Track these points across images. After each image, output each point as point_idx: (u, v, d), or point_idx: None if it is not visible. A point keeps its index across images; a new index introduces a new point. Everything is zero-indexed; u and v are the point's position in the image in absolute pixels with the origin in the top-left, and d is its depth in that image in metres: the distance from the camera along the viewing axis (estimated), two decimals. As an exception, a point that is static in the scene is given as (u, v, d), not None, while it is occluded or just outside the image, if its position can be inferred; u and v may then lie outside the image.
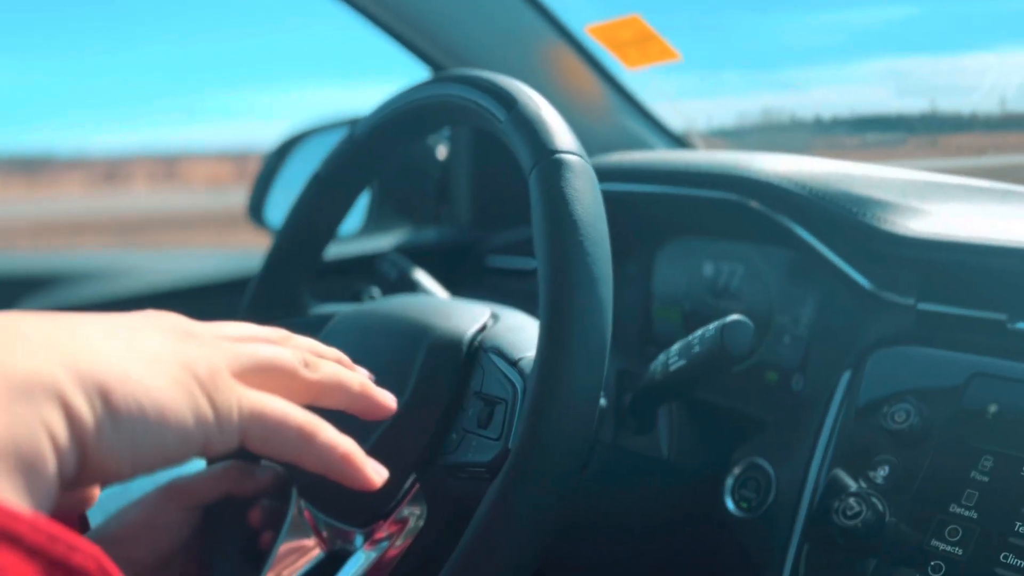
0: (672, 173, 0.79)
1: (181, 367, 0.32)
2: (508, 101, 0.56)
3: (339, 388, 0.40)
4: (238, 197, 1.39)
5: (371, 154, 0.69)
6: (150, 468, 0.31)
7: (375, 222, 1.18)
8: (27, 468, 0.26)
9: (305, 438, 0.35)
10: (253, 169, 1.25)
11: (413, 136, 0.69)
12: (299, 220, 0.74)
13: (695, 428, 0.67)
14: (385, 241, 1.12)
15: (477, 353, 0.57)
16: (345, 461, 0.36)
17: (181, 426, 0.31)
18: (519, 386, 0.52)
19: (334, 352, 0.44)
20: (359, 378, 0.42)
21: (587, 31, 1.02)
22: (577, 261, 0.49)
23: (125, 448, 0.30)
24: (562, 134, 0.54)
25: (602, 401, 0.53)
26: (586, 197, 0.51)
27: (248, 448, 0.35)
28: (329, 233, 0.74)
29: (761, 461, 0.64)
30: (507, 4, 1.01)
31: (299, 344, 0.42)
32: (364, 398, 0.41)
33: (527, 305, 0.67)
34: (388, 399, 0.43)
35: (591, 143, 1.06)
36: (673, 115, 1.16)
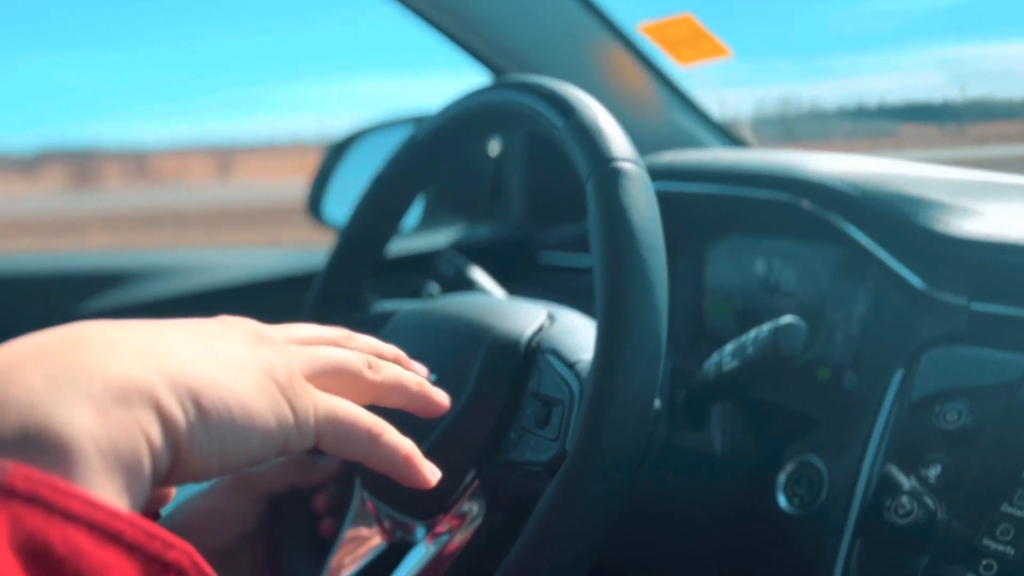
0: (725, 173, 0.80)
1: (263, 372, 0.35)
2: (566, 108, 0.57)
3: (399, 388, 0.43)
4: (295, 191, 1.42)
5: (432, 156, 0.72)
6: (235, 467, 0.33)
7: (431, 219, 1.20)
8: (126, 469, 0.28)
9: (372, 439, 0.38)
10: (313, 163, 1.28)
11: (473, 139, 0.71)
12: (362, 219, 0.77)
13: (747, 425, 0.68)
14: (441, 238, 1.14)
15: (534, 354, 0.59)
16: (407, 461, 0.40)
17: (265, 428, 0.34)
18: (576, 389, 0.54)
19: (392, 351, 0.47)
20: (417, 378, 0.44)
21: (639, 30, 1.03)
22: (634, 268, 0.50)
23: (214, 449, 0.32)
24: (619, 142, 0.55)
25: (656, 402, 0.55)
26: (642, 204, 0.53)
27: (320, 448, 0.38)
28: (391, 232, 0.77)
29: (813, 458, 0.65)
30: (561, 6, 1.02)
31: (361, 344, 0.45)
32: (421, 398, 0.44)
33: (580, 302, 0.69)
34: (443, 399, 0.45)
35: (644, 141, 1.07)
36: (721, 106, 1.17)
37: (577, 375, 0.55)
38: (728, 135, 1.17)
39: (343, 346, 0.43)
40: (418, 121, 0.75)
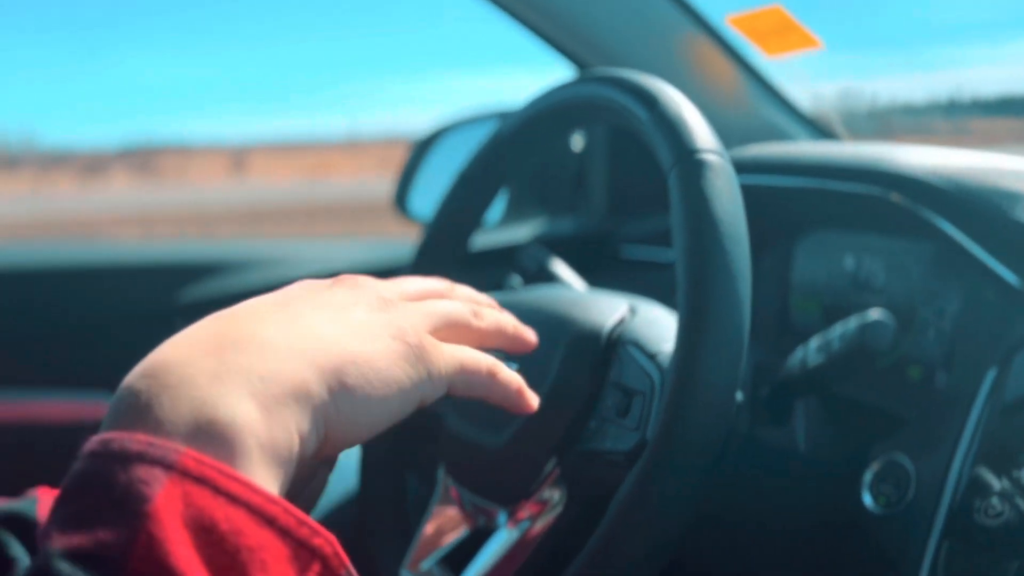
0: (812, 166, 0.79)
1: (394, 338, 0.38)
2: (650, 100, 0.58)
3: (499, 332, 0.48)
4: (383, 187, 1.45)
5: (516, 151, 0.73)
6: (378, 431, 0.37)
7: (514, 212, 1.22)
8: (279, 459, 0.31)
9: (491, 377, 0.44)
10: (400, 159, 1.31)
11: (557, 134, 0.72)
12: (447, 214, 0.78)
13: (832, 422, 0.67)
14: (524, 232, 1.15)
15: (616, 345, 0.59)
16: (519, 393, 0.45)
17: (403, 390, 0.37)
18: (657, 379, 0.54)
19: (487, 299, 0.52)
20: (512, 320, 0.50)
21: (728, 22, 1.02)
22: (716, 259, 0.50)
23: (360, 420, 0.36)
24: (703, 133, 0.55)
25: (738, 395, 0.55)
26: (726, 196, 0.53)
27: (450, 394, 0.42)
28: (475, 225, 0.78)
29: (900, 457, 0.64)
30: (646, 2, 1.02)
31: (462, 295, 0.50)
32: (517, 338, 0.50)
33: (661, 295, 0.69)
34: (531, 337, 0.51)
35: (732, 134, 1.07)
36: (813, 99, 1.15)
37: (658, 366, 0.55)
38: (818, 128, 1.15)
39: (448, 297, 0.47)
40: (502, 117, 0.76)
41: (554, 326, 0.62)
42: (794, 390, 0.62)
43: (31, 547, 0.68)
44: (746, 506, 0.67)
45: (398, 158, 1.37)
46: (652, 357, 0.56)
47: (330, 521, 0.84)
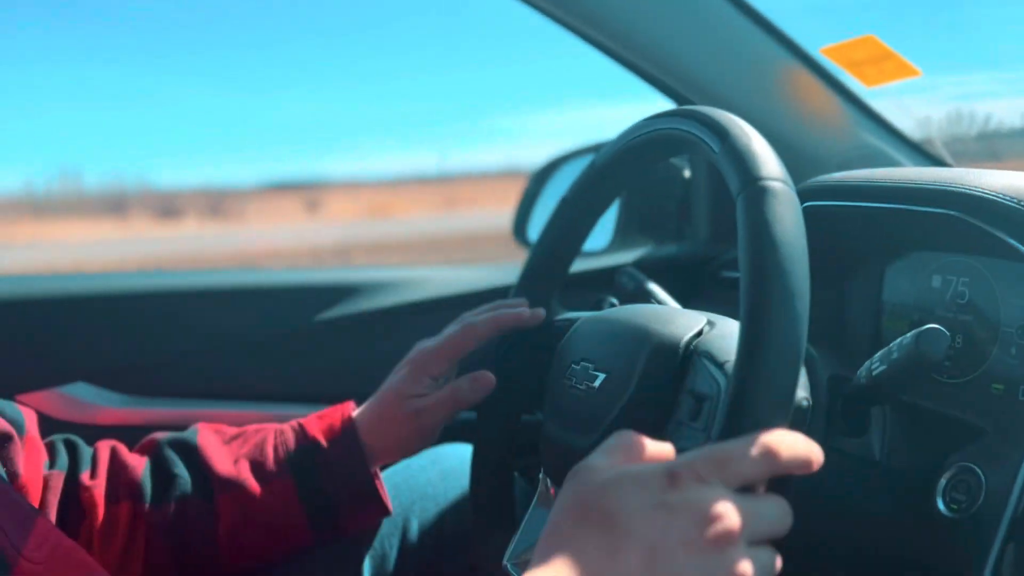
0: (893, 190, 0.82)
1: None
2: (722, 133, 0.64)
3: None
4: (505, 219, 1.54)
5: (610, 180, 0.80)
6: None
7: (622, 238, 1.29)
8: None
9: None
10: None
11: (646, 164, 0.78)
12: (550, 238, 0.86)
13: (908, 432, 0.71)
14: (628, 256, 1.22)
15: (691, 356, 0.65)
16: None
17: None
18: (723, 385, 0.60)
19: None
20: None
21: (822, 52, 1.07)
22: (775, 278, 0.55)
23: None
24: (768, 163, 0.61)
25: (804, 400, 0.59)
26: (786, 220, 0.58)
27: None
28: (575, 249, 0.86)
29: (973, 465, 0.67)
30: (743, 33, 1.07)
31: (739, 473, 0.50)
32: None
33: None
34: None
35: (831, 160, 1.10)
36: (920, 125, 1.17)
37: (725, 373, 0.61)
38: (923, 153, 1.17)
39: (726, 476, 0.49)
40: (598, 149, 0.83)
41: (638, 339, 0.69)
42: (864, 399, 0.66)
43: (192, 466, 0.81)
44: (824, 511, 0.71)
45: (517, 190, 1.47)
46: (721, 366, 0.61)
47: (445, 519, 0.93)
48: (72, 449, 0.79)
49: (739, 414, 0.54)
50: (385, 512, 0.83)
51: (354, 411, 0.83)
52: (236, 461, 0.79)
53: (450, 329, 0.84)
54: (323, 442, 0.80)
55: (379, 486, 0.82)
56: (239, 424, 0.86)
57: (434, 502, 0.94)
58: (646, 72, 1.09)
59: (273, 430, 0.82)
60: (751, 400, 0.53)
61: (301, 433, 0.81)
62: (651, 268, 0.98)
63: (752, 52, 1.09)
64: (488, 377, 0.82)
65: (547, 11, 1.05)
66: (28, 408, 0.76)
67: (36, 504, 0.72)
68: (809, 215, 0.87)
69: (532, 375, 0.83)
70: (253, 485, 0.78)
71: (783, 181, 0.60)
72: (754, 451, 0.49)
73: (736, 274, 1.06)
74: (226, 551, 0.78)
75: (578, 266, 0.91)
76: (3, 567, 0.57)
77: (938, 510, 0.68)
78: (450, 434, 0.99)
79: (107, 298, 1.21)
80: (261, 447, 0.80)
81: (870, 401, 0.68)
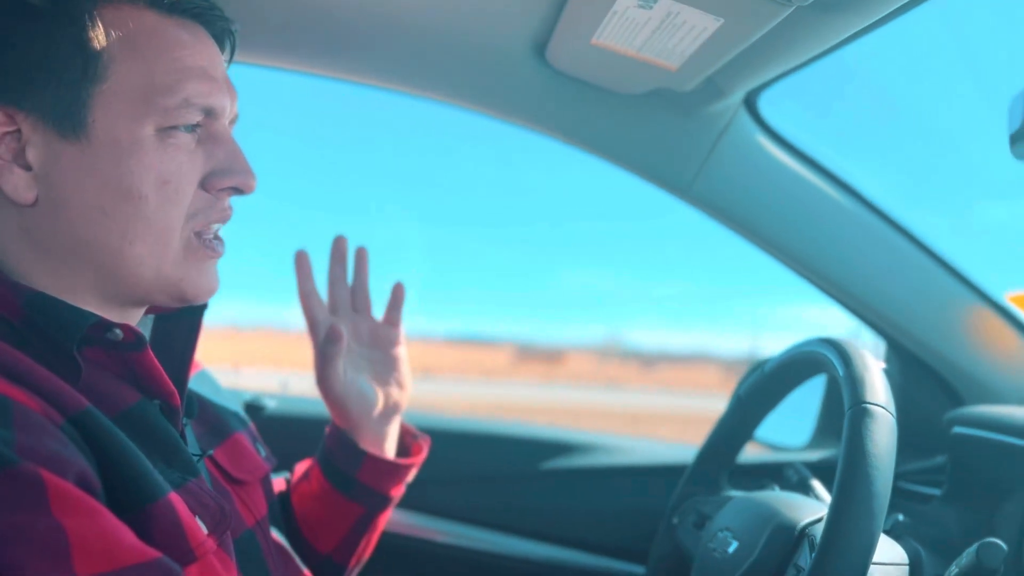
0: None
1: None
2: (847, 360, 0.82)
3: None
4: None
5: (771, 385, 0.99)
6: None
7: (818, 438, 1.42)
8: None
9: None
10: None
11: (799, 377, 0.97)
12: (724, 428, 1.06)
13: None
14: (806, 455, 1.36)
15: (803, 536, 0.82)
16: None
17: None
18: None
19: None
20: None
21: (1008, 299, 1.19)
22: (860, 481, 0.72)
23: None
24: (876, 390, 0.78)
25: None
26: (878, 436, 0.74)
27: None
28: (742, 443, 1.05)
29: None
30: (935, 277, 1.22)
31: None
32: None
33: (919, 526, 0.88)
34: None
35: (1010, 394, 1.21)
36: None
37: (819, 552, 0.77)
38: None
39: None
40: (766, 362, 1.03)
41: (766, 517, 0.86)
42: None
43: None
44: None
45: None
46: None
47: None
48: None
49: None
50: (396, 468, 1.02)
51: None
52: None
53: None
54: (327, 436, 1.02)
55: (374, 451, 1.00)
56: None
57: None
58: (850, 307, 1.27)
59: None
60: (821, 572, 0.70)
61: (323, 441, 1.04)
62: (821, 468, 1.13)
63: (947, 296, 1.23)
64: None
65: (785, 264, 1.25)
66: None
67: None
68: (960, 440, 1.01)
69: (695, 544, 1.00)
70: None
71: (884, 407, 0.76)
72: None
73: (906, 485, 1.19)
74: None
75: (759, 458, 1.09)
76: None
77: None
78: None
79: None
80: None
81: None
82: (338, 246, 1.02)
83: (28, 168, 0.67)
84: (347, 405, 0.98)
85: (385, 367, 1.02)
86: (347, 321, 1.02)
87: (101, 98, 0.67)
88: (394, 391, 1.02)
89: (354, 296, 1.03)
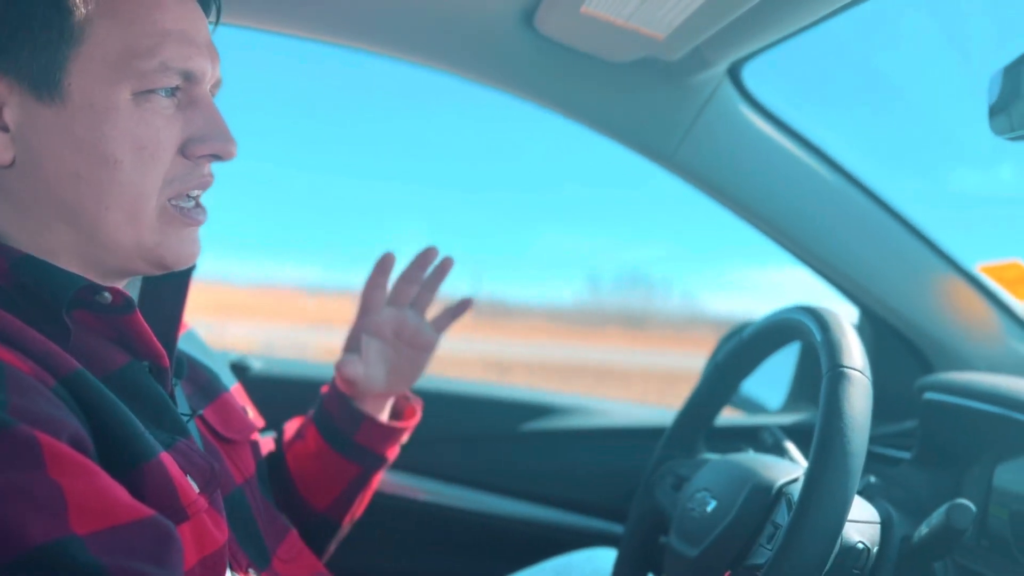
0: (1004, 398, 0.97)
1: None
2: (824, 326, 0.84)
3: None
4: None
5: (749, 352, 1.02)
6: None
7: (792, 403, 1.46)
8: None
9: None
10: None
11: (776, 344, 0.99)
12: (701, 393, 1.08)
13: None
14: (786, 419, 1.39)
15: (780, 495, 0.85)
16: None
17: None
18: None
19: None
20: None
21: (979, 269, 1.22)
22: (837, 441, 0.74)
23: None
24: (853, 354, 0.80)
25: (862, 543, 0.77)
26: (855, 399, 0.76)
27: None
28: (718, 408, 1.07)
29: None
30: (911, 249, 1.25)
31: None
32: None
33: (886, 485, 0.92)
34: None
35: (979, 362, 1.24)
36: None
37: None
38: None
39: None
40: (743, 328, 1.05)
41: (743, 477, 0.89)
42: (917, 555, 0.82)
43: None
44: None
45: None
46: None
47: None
48: None
49: (787, 544, 0.73)
50: (392, 431, 1.04)
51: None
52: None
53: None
54: (325, 398, 1.05)
55: (371, 415, 1.03)
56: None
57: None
58: (825, 274, 1.30)
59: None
60: (798, 531, 0.73)
61: (320, 401, 1.06)
62: (796, 431, 1.16)
63: (917, 263, 1.26)
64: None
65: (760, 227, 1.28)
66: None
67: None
68: (931, 405, 1.04)
69: (673, 505, 1.03)
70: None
71: (859, 370, 0.79)
72: None
73: (879, 448, 1.22)
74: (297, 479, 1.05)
75: (734, 421, 1.12)
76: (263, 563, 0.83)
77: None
78: (605, 540, 1.21)
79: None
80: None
81: (921, 558, 0.83)
82: (427, 255, 1.04)
83: (5, 129, 0.67)
84: (357, 383, 1.02)
85: (410, 363, 1.05)
86: (398, 315, 1.04)
87: (78, 61, 0.66)
88: (405, 382, 1.05)
89: (420, 293, 1.05)
